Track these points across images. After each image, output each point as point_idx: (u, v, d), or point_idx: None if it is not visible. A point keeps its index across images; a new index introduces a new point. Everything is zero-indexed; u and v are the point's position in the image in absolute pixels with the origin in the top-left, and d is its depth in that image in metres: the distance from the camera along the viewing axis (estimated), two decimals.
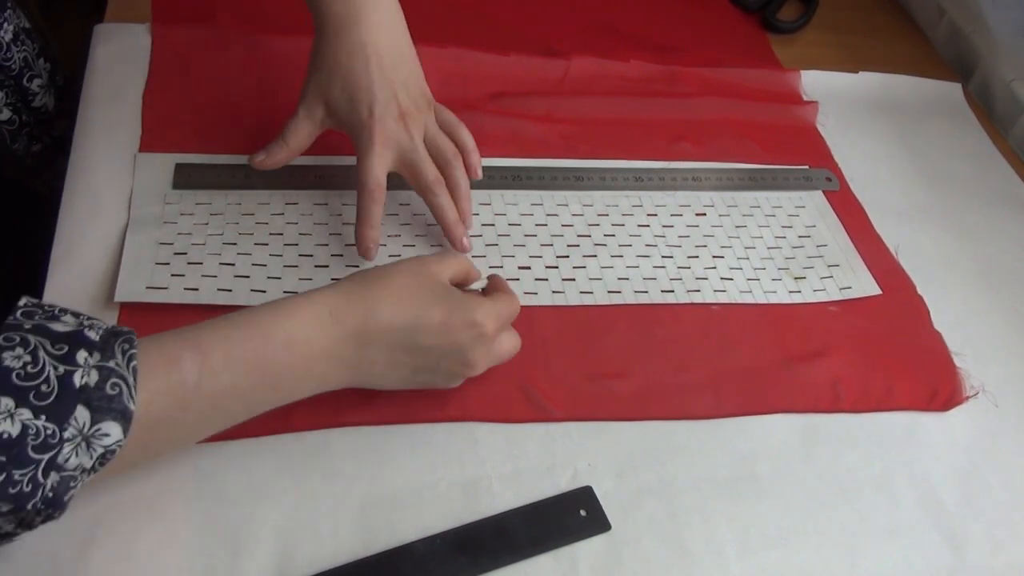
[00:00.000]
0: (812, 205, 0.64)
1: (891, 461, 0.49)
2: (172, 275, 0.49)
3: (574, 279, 0.55)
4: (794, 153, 0.68)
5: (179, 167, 0.55)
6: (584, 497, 0.45)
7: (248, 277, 0.50)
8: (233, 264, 0.51)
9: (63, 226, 0.51)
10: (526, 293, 0.53)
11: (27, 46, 0.62)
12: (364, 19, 0.50)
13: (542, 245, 0.57)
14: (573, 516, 0.44)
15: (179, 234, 0.52)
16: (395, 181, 0.54)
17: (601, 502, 0.45)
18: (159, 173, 0.55)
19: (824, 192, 0.65)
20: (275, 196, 0.55)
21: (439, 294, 0.43)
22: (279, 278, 0.51)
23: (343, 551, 0.41)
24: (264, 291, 0.50)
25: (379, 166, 0.51)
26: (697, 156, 0.66)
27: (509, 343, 0.46)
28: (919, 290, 0.59)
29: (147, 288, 0.48)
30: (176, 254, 0.51)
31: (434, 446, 0.46)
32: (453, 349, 0.43)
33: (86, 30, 0.64)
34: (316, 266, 0.52)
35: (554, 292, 0.54)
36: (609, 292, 0.55)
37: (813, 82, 0.74)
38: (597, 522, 0.44)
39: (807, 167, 0.67)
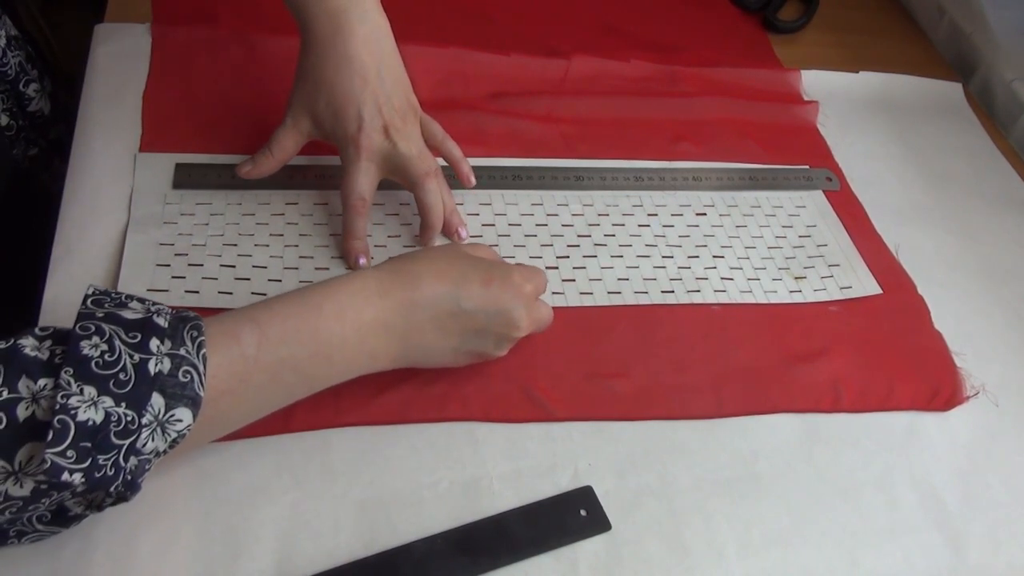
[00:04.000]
0: (812, 205, 0.64)
1: (892, 461, 0.49)
2: (173, 277, 0.49)
3: (574, 280, 0.55)
4: (794, 153, 0.68)
5: (179, 167, 0.55)
6: (584, 497, 0.45)
7: (249, 280, 0.50)
8: (234, 266, 0.51)
9: (63, 226, 0.51)
10: None
11: (21, 51, 0.62)
12: (350, 32, 0.50)
13: (542, 245, 0.57)
14: (573, 516, 0.44)
15: (179, 235, 0.52)
16: (393, 182, 0.54)
17: (601, 502, 0.45)
18: (159, 173, 0.55)
19: (824, 192, 0.65)
20: (275, 196, 0.55)
21: (475, 263, 0.46)
22: (279, 280, 0.51)
23: (343, 551, 0.41)
24: (265, 294, 0.50)
25: (364, 181, 0.51)
26: (697, 156, 0.65)
27: (546, 310, 0.48)
28: (919, 290, 0.59)
29: (148, 291, 0.48)
30: (177, 255, 0.51)
31: (434, 446, 0.45)
32: (497, 310, 0.44)
33: (86, 30, 0.64)
34: (317, 268, 0.52)
35: (554, 293, 0.54)
36: (609, 293, 0.55)
37: (813, 82, 0.74)
38: (597, 522, 0.44)
39: (807, 167, 0.67)
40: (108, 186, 0.54)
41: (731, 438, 0.49)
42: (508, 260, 0.55)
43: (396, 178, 0.53)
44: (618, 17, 0.77)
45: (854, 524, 0.46)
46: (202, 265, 0.50)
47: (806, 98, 0.73)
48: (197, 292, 0.49)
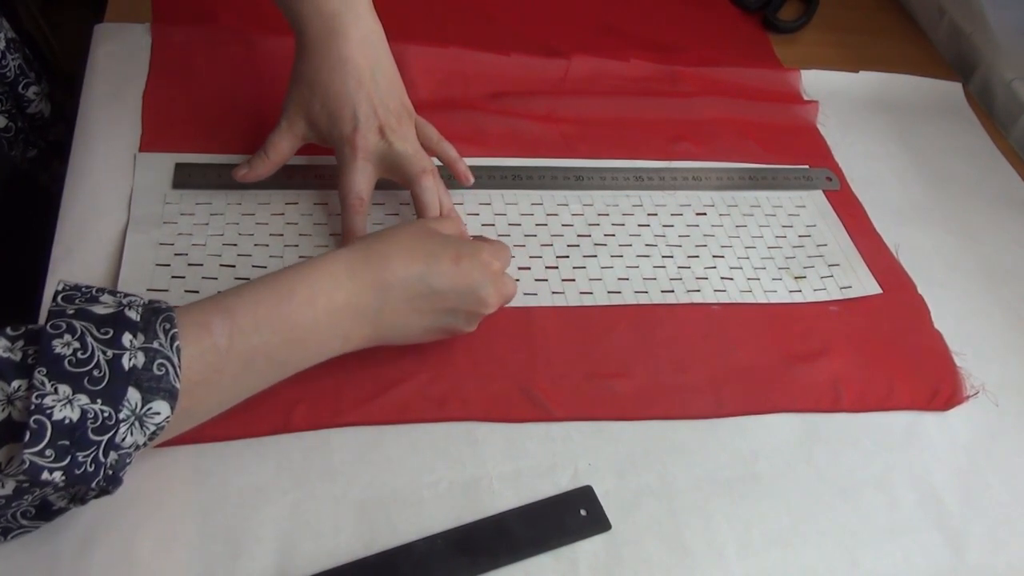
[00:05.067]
0: (812, 205, 0.64)
1: (891, 461, 0.49)
2: (172, 277, 0.49)
3: (574, 279, 0.55)
4: (794, 153, 0.68)
5: (179, 167, 0.55)
6: (584, 497, 0.45)
7: (249, 280, 0.50)
8: (233, 266, 0.51)
9: (63, 226, 0.51)
10: (526, 294, 0.53)
11: (21, 53, 0.62)
12: (344, 35, 0.50)
13: (542, 245, 0.57)
14: (573, 516, 0.44)
15: (179, 234, 0.52)
16: (393, 182, 0.54)
17: (601, 502, 0.45)
18: (159, 173, 0.55)
19: (824, 192, 0.65)
20: (275, 196, 0.55)
21: (444, 242, 0.46)
22: None
23: (343, 551, 0.41)
24: None
25: (361, 180, 0.51)
26: (697, 156, 0.65)
27: (512, 284, 0.48)
28: (919, 290, 0.59)
29: (148, 290, 0.48)
30: (176, 255, 0.51)
31: (434, 446, 0.45)
32: (467, 288, 0.45)
33: (86, 30, 0.64)
34: None
35: (554, 293, 0.54)
36: (609, 292, 0.55)
37: (813, 82, 0.74)
38: (597, 522, 0.44)
39: (807, 167, 0.67)
40: (108, 186, 0.54)
41: (731, 438, 0.49)
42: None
43: (393, 177, 0.53)
44: (618, 17, 0.77)
45: (854, 524, 0.46)
46: (202, 265, 0.50)
47: (806, 98, 0.73)
48: (197, 292, 0.49)
